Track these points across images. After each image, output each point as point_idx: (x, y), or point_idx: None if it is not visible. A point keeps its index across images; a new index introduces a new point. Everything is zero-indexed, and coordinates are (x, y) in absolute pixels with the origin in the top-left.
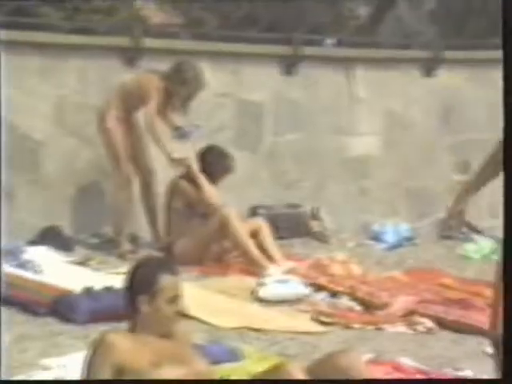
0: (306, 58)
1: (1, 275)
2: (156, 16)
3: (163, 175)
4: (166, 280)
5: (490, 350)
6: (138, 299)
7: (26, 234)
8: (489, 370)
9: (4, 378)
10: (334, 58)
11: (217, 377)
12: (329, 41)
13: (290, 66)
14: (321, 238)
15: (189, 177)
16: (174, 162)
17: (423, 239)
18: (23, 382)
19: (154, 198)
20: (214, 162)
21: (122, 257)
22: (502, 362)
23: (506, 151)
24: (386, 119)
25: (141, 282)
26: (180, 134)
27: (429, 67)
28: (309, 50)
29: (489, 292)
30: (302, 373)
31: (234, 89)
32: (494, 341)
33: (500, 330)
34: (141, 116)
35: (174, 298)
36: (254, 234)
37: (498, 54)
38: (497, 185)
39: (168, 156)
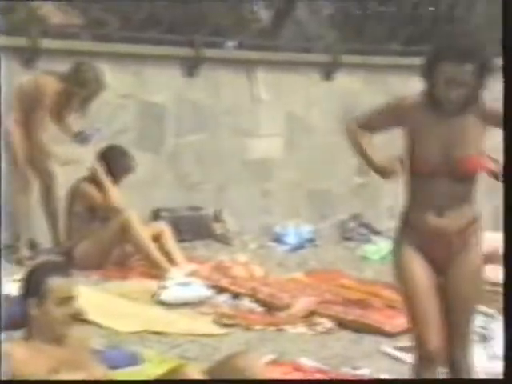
0: (207, 60)
1: (1, 275)
2: (55, 16)
3: (64, 178)
4: (54, 282)
5: (387, 349)
6: (28, 303)
7: None
8: (386, 369)
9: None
10: (236, 60)
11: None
12: (230, 43)
13: (191, 67)
14: (223, 240)
15: (91, 179)
16: (66, 163)
17: (324, 241)
18: (23, 382)
19: (55, 201)
20: (113, 162)
21: (19, 263)
22: (503, 362)
23: (506, 151)
24: (287, 121)
25: (30, 286)
26: (81, 137)
27: (328, 71)
28: (210, 52)
29: (386, 292)
30: (200, 375)
31: (136, 90)
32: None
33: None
34: (38, 119)
35: (65, 301)
36: (156, 237)
37: (395, 60)
38: (396, 188)
39: (57, 160)
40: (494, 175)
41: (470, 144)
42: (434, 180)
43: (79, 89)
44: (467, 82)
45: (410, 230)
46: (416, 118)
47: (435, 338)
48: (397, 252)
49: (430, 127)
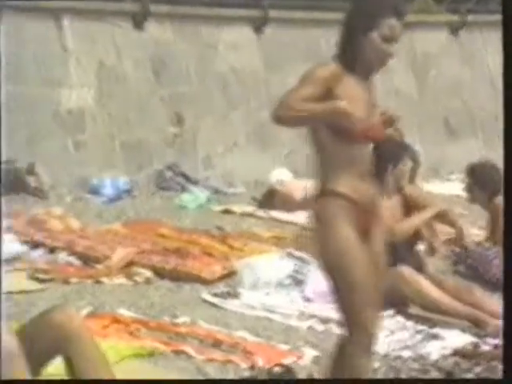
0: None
1: (1, 274)
2: None
3: None
4: None
5: (206, 296)
6: None
7: None
8: (205, 316)
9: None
10: (42, 8)
11: None
12: None
13: None
14: (38, 193)
15: None
16: None
17: (142, 191)
18: (24, 382)
19: None
20: None
21: None
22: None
23: (506, 151)
24: (97, 71)
25: None
26: None
27: (138, 20)
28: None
29: (204, 240)
30: (11, 334)
31: None
32: None
33: None
34: None
35: None
36: None
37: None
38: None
39: None
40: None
41: (378, 107)
42: (358, 146)
43: None
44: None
45: (333, 200)
46: (341, 84)
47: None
48: (324, 228)
49: (354, 92)
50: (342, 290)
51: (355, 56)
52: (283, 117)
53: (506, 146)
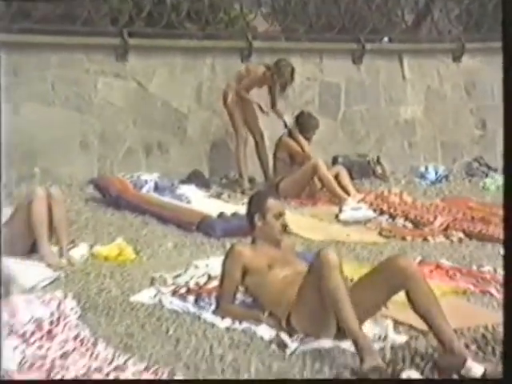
0: (369, 52)
1: (0, 273)
2: (262, 25)
3: (269, 135)
4: (271, 202)
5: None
6: (254, 217)
7: (178, 176)
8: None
9: None
10: (389, 50)
11: None
12: (385, 38)
13: (358, 57)
14: (382, 177)
15: (290, 135)
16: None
17: (455, 177)
18: (29, 382)
19: (264, 151)
20: (305, 122)
21: (243, 192)
22: (502, 362)
23: (506, 151)
24: (426, 93)
25: (255, 205)
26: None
27: (456, 55)
28: (370, 46)
29: (501, 211)
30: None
31: (317, 74)
32: None
33: None
34: (252, 95)
35: (279, 215)
36: (336, 176)
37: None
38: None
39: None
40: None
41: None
42: None
43: (278, 77)
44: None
45: None
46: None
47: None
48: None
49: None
50: None
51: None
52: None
53: (506, 145)
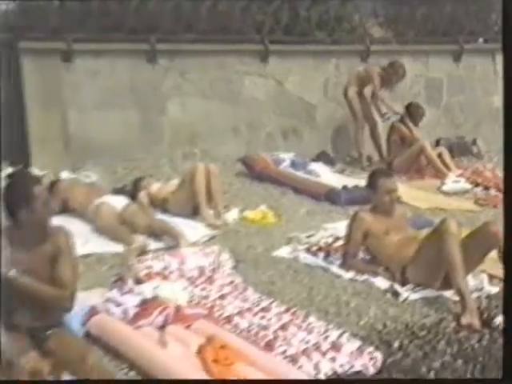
0: (467, 51)
1: (0, 273)
2: (377, 32)
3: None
4: (381, 181)
5: None
6: (373, 190)
7: (309, 155)
8: None
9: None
10: (484, 49)
11: (420, 235)
12: (480, 39)
13: (457, 56)
14: (478, 156)
15: (402, 121)
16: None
17: None
18: (24, 382)
19: (378, 136)
20: (413, 111)
21: (363, 169)
22: (502, 362)
23: (506, 151)
24: None
25: (369, 182)
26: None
27: None
28: (468, 46)
29: None
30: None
31: (423, 71)
32: None
33: None
34: (368, 90)
35: (391, 191)
36: (439, 155)
37: None
38: None
39: (388, 108)
40: None
41: None
42: None
43: (393, 75)
44: None
45: None
46: None
47: None
48: None
49: None
50: None
51: None
52: None
53: (506, 146)
